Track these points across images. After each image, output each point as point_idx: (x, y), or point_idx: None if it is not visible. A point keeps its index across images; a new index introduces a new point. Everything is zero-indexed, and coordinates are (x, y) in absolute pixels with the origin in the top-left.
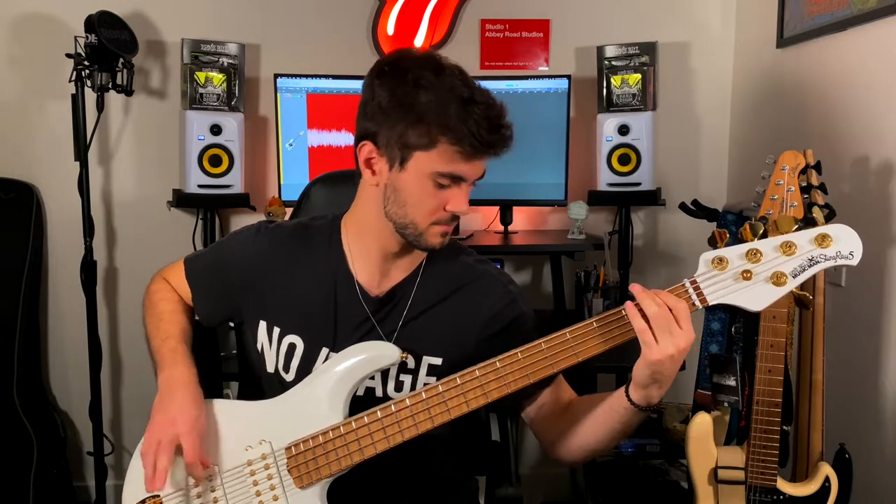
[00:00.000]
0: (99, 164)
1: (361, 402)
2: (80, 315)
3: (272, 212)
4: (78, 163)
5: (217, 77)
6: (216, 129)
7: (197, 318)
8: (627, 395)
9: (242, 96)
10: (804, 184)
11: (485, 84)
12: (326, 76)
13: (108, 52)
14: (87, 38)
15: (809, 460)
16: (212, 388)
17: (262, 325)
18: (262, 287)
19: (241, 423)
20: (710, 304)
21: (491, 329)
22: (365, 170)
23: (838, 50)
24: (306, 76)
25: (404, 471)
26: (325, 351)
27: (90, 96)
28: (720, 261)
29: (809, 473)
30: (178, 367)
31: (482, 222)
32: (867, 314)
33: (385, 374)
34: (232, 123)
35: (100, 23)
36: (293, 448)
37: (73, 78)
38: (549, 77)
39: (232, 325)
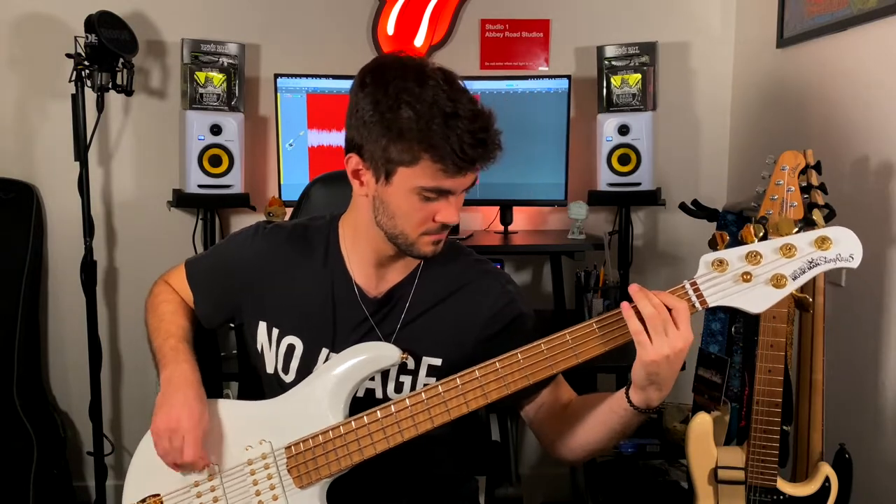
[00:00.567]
0: (99, 164)
1: (361, 403)
2: (80, 315)
3: (272, 212)
4: (78, 163)
5: (217, 77)
6: (216, 129)
7: (199, 319)
8: (627, 397)
9: (242, 96)
10: (804, 184)
11: (485, 84)
12: (326, 76)
13: (108, 52)
14: (87, 38)
15: (809, 460)
16: (212, 388)
17: (262, 325)
18: (261, 288)
19: (241, 422)
20: (710, 305)
21: (490, 329)
22: (353, 180)
23: (838, 50)
24: (306, 76)
25: (404, 471)
26: (324, 352)
27: (90, 96)
28: (720, 263)
29: (809, 473)
30: (181, 364)
31: (482, 222)
32: (867, 314)
33: (385, 375)
34: (232, 123)
35: (100, 23)
36: (293, 448)
37: (73, 78)
38: (549, 77)
39: (232, 325)
